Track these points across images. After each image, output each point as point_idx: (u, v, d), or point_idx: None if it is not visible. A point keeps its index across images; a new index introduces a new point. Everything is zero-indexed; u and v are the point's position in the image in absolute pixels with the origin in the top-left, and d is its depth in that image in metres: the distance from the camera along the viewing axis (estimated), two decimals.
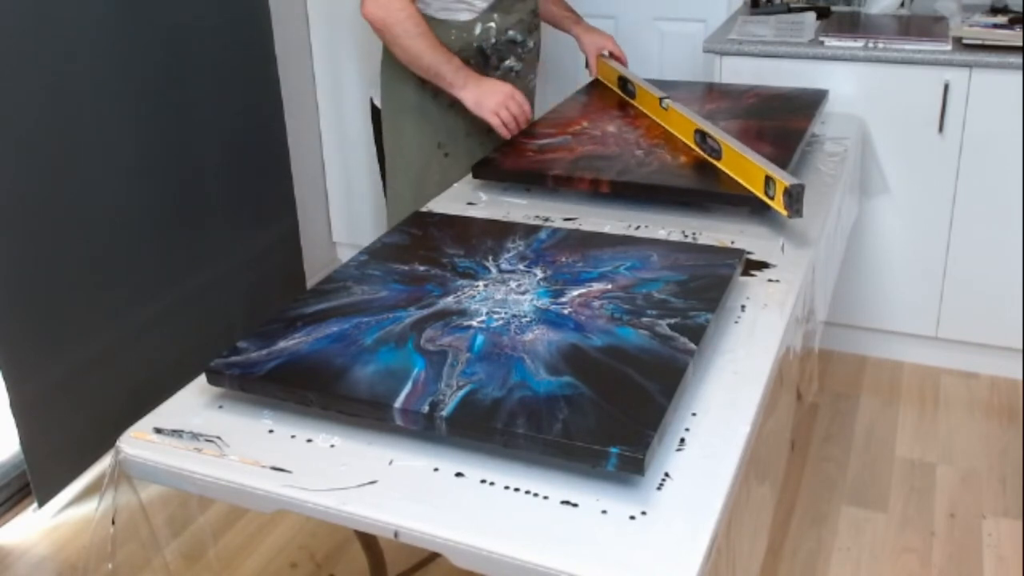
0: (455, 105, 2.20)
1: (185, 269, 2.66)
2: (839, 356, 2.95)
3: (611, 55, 2.47)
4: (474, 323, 1.36)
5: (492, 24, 2.17)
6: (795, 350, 1.63)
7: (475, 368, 1.24)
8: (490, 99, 2.11)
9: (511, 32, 2.21)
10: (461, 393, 1.18)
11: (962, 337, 2.80)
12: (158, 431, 1.23)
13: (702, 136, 1.97)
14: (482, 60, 2.20)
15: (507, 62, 2.23)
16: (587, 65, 2.54)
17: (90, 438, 2.43)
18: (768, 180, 1.74)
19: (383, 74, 2.32)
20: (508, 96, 2.12)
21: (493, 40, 2.19)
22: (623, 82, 2.39)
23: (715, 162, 1.92)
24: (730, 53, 2.71)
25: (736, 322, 1.45)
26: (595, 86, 2.56)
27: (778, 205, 1.71)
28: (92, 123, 2.31)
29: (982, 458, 2.47)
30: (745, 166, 1.81)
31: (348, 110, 3.41)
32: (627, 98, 2.36)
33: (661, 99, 2.17)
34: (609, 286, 1.45)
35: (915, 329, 2.84)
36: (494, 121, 2.12)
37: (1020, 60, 2.45)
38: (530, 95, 2.37)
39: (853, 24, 2.85)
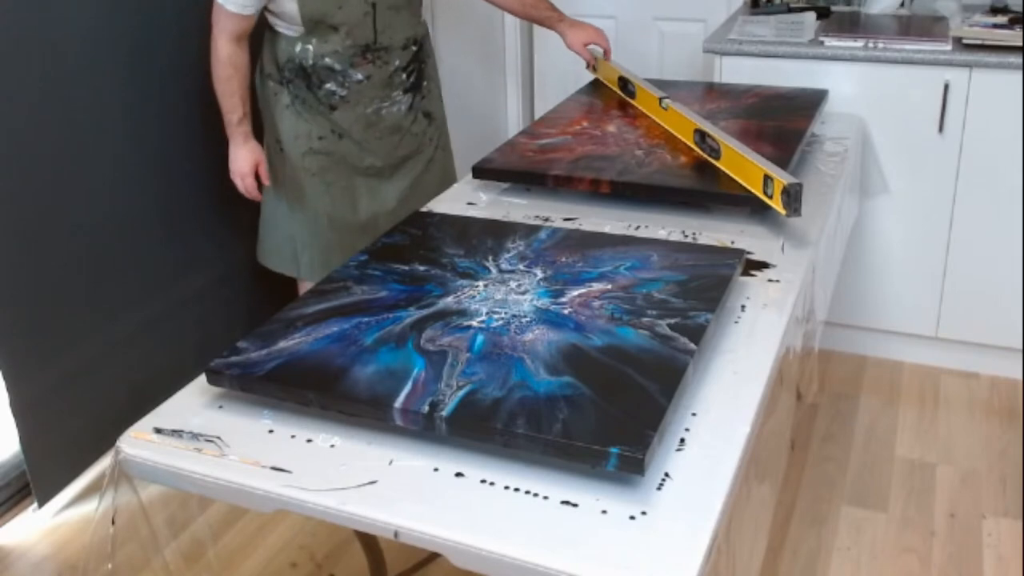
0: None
1: (185, 269, 2.66)
2: (839, 356, 2.95)
3: (599, 49, 2.48)
4: (474, 323, 1.36)
5: (309, 47, 2.21)
6: (795, 350, 1.63)
7: (475, 368, 1.24)
8: (232, 165, 2.29)
9: (327, 59, 2.22)
10: (461, 393, 1.18)
11: (962, 337, 2.80)
12: (158, 431, 1.23)
13: (701, 136, 1.97)
14: (304, 77, 2.26)
15: (328, 86, 2.26)
16: (588, 67, 2.54)
17: (90, 438, 2.43)
18: (767, 179, 1.74)
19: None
20: (235, 175, 2.29)
21: (311, 62, 2.23)
22: (623, 82, 2.38)
23: (714, 162, 1.92)
24: (730, 53, 2.71)
25: (736, 322, 1.45)
26: (595, 86, 2.56)
27: (776, 204, 1.71)
28: (90, 123, 2.31)
29: (982, 458, 2.47)
30: (744, 165, 1.82)
31: None
32: (627, 98, 2.37)
33: (661, 99, 2.18)
34: (609, 286, 1.45)
35: (915, 329, 2.84)
36: (235, 182, 2.31)
37: (1020, 60, 2.45)
38: (386, 129, 2.37)
39: (853, 24, 2.85)
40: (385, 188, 2.44)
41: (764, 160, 1.79)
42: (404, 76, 2.34)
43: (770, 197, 1.73)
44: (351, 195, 2.40)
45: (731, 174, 1.87)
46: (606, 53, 2.50)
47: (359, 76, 2.26)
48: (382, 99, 2.33)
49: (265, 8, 2.20)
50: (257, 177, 2.30)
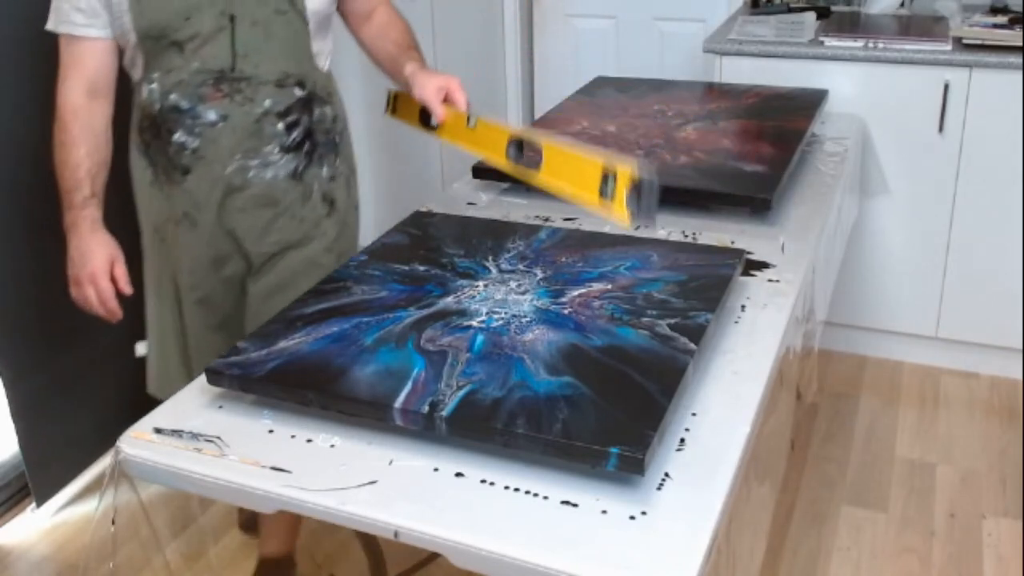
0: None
1: None
2: (839, 356, 2.95)
3: (449, 99, 1.71)
4: (474, 323, 1.36)
5: (154, 86, 1.66)
6: (795, 350, 1.63)
7: (475, 368, 1.24)
8: (71, 269, 1.68)
9: (173, 96, 1.66)
10: (461, 393, 1.18)
11: (962, 337, 2.80)
12: (158, 431, 1.23)
13: (517, 147, 1.58)
14: (155, 132, 1.70)
15: (176, 137, 1.68)
16: (421, 120, 1.81)
17: (90, 438, 2.43)
18: (606, 177, 1.33)
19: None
20: (81, 280, 1.67)
21: (158, 107, 1.67)
22: (424, 116, 1.79)
23: (535, 175, 1.54)
24: (730, 53, 2.71)
25: (736, 322, 1.45)
26: (595, 86, 2.56)
27: (619, 208, 1.28)
28: None
29: (982, 458, 2.47)
30: (573, 164, 1.43)
31: (348, 110, 3.40)
32: (428, 131, 1.80)
33: (469, 116, 1.68)
34: (609, 286, 1.45)
35: (915, 329, 2.84)
36: (80, 293, 1.70)
37: (1020, 60, 2.45)
38: (252, 199, 1.74)
39: (853, 24, 2.85)
40: (248, 288, 1.81)
41: (598, 151, 1.40)
42: (282, 127, 1.71)
43: (609, 198, 1.32)
44: (208, 303, 1.82)
45: (559, 182, 1.47)
46: (461, 105, 1.70)
47: (212, 116, 1.67)
48: (247, 153, 1.70)
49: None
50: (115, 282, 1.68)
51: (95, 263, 1.65)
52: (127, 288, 1.68)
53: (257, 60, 1.67)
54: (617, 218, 1.27)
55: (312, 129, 1.76)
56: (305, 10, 1.69)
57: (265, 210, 1.75)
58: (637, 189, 1.25)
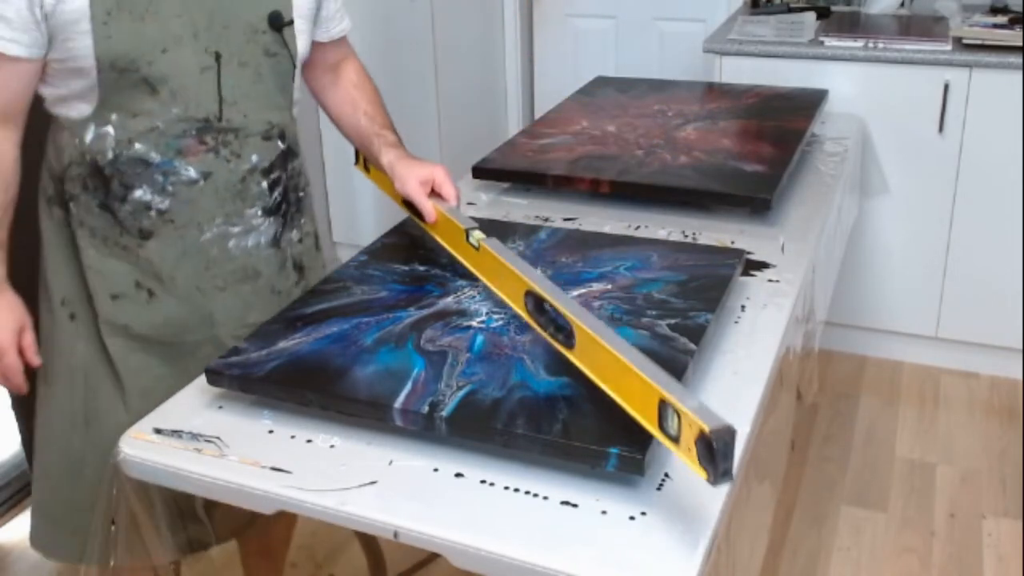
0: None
1: None
2: (839, 356, 2.95)
3: (435, 193, 1.54)
4: (474, 323, 1.36)
5: (108, 129, 1.36)
6: (795, 350, 1.62)
7: (475, 368, 1.24)
8: None
9: (138, 146, 1.37)
10: (461, 393, 1.18)
11: (962, 337, 2.80)
12: (158, 431, 1.23)
13: (536, 304, 1.24)
14: (97, 184, 1.40)
15: (137, 194, 1.39)
16: (406, 205, 1.60)
17: None
18: (664, 407, 1.00)
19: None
20: None
21: (111, 155, 1.38)
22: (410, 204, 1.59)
23: (566, 352, 1.19)
24: (730, 53, 2.71)
25: (736, 322, 1.45)
26: (595, 85, 2.56)
27: (689, 457, 0.97)
28: None
29: (982, 458, 2.47)
30: (622, 372, 1.07)
31: None
32: (416, 220, 1.60)
33: (467, 231, 1.42)
34: (609, 286, 1.45)
35: (915, 329, 2.84)
36: None
37: (1020, 60, 2.45)
38: (233, 274, 1.49)
39: (853, 24, 2.85)
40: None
41: (660, 372, 1.03)
42: (265, 186, 1.47)
43: (674, 440, 1.00)
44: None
45: (602, 382, 1.12)
46: (449, 199, 1.54)
47: (191, 173, 1.40)
48: (229, 218, 1.45)
49: (45, 67, 1.34)
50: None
51: (2, 334, 1.38)
52: (35, 360, 1.42)
53: (245, 108, 1.42)
54: (686, 461, 0.98)
55: (287, 186, 1.52)
56: (296, 53, 1.47)
57: (245, 285, 1.50)
58: (708, 445, 0.94)
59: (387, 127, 1.63)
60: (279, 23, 1.43)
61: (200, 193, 1.41)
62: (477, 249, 1.39)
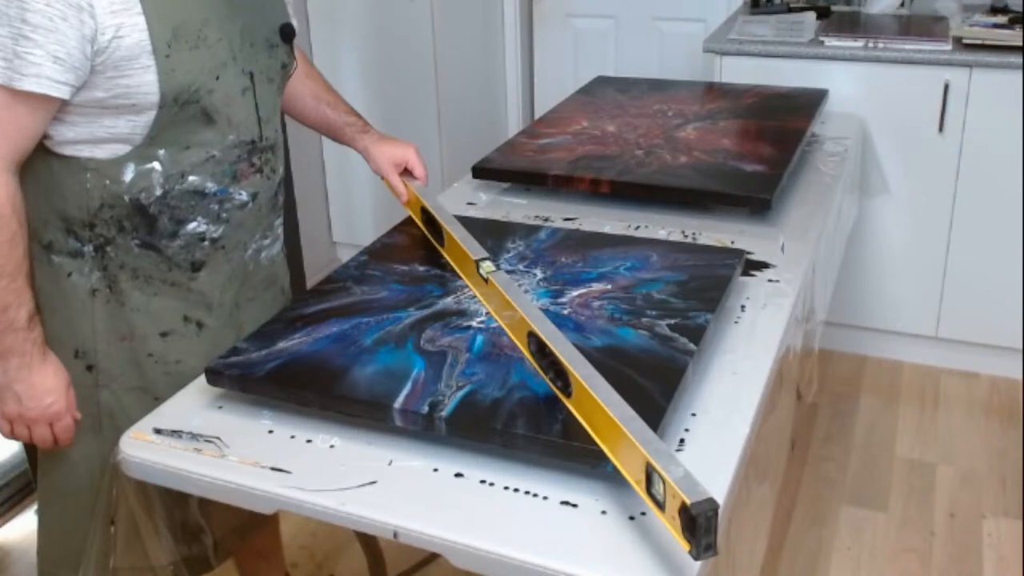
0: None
1: None
2: (839, 356, 2.95)
3: (408, 171, 1.68)
4: (474, 323, 1.36)
5: (155, 165, 1.30)
6: (795, 350, 1.62)
7: (475, 368, 1.24)
8: (12, 405, 1.31)
9: (193, 178, 1.33)
10: (461, 393, 1.18)
11: (962, 337, 2.80)
12: (158, 431, 1.23)
13: (538, 345, 1.22)
14: (144, 223, 1.33)
15: (190, 226, 1.35)
16: (425, 223, 1.65)
17: None
18: (651, 471, 0.98)
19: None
20: (42, 416, 1.32)
21: (159, 192, 1.31)
22: (428, 217, 1.63)
23: (564, 399, 1.17)
24: (730, 53, 2.71)
25: (736, 322, 1.45)
26: (595, 85, 2.56)
27: (673, 527, 0.96)
28: None
29: (982, 458, 2.47)
30: (611, 429, 1.06)
31: None
32: (434, 242, 1.61)
33: (478, 261, 1.42)
34: (609, 286, 1.45)
35: (915, 329, 2.84)
36: (34, 432, 1.35)
37: (1020, 60, 2.45)
38: (261, 283, 1.52)
39: (853, 24, 2.85)
40: None
41: (649, 433, 1.02)
42: (281, 195, 1.53)
43: (658, 504, 0.98)
44: None
45: (591, 429, 1.10)
46: (420, 178, 1.68)
47: (243, 196, 1.40)
48: (264, 233, 1.48)
49: (70, 104, 1.23)
50: None
51: (58, 401, 1.32)
52: (77, 415, 1.37)
53: (275, 123, 1.45)
54: (673, 534, 0.97)
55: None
56: (294, 62, 1.49)
57: (268, 292, 1.54)
58: (690, 518, 0.92)
59: (350, 112, 1.68)
60: (290, 34, 1.44)
61: (248, 215, 1.42)
62: (486, 282, 1.39)
